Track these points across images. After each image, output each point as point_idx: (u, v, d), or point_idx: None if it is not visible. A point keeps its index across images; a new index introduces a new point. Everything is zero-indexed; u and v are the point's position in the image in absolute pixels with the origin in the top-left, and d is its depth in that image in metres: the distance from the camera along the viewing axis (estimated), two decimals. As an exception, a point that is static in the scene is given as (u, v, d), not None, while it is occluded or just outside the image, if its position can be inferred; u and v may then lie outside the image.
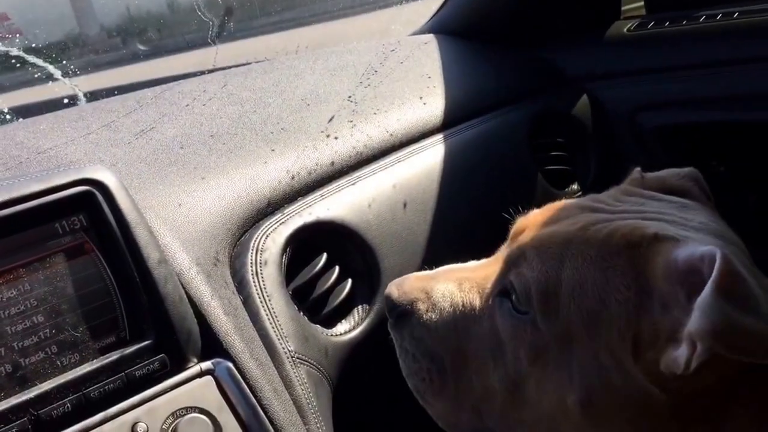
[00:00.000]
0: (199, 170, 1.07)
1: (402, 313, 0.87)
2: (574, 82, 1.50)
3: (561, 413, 0.75)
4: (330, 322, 1.07)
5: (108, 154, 1.07)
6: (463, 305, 0.84)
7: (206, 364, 0.87)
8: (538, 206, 0.89)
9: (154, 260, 0.86)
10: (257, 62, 1.56)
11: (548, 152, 1.41)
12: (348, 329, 1.07)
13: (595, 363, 0.72)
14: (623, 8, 1.66)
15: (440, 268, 0.91)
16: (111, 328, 0.84)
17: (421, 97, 1.36)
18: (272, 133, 1.19)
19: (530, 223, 0.84)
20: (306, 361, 0.97)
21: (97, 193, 0.86)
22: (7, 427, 0.75)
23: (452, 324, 0.84)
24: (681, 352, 0.66)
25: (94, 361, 0.82)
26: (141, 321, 0.85)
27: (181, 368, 0.86)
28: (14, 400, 0.77)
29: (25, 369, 0.79)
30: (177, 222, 0.98)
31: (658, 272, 0.69)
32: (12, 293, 0.80)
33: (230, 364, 0.88)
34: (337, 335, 1.05)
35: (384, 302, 0.90)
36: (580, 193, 1.43)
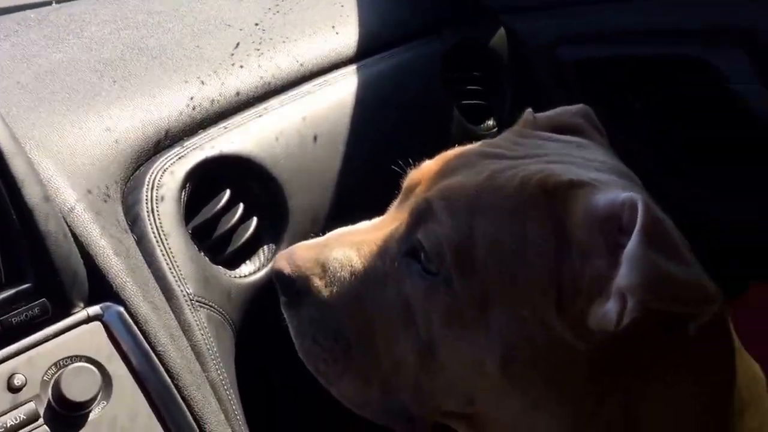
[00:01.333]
0: (88, 98, 0.98)
1: (297, 291, 0.77)
2: (491, 14, 1.44)
3: (477, 375, 0.71)
4: (233, 263, 1.00)
5: (-18, 79, 0.96)
6: (365, 272, 0.76)
7: (94, 309, 0.79)
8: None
9: (34, 196, 0.77)
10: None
11: (464, 86, 1.36)
12: (253, 270, 1.01)
13: (516, 321, 0.68)
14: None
15: (331, 234, 0.82)
16: (-18, 271, 0.75)
17: (333, 26, 1.28)
18: (171, 60, 1.09)
19: (424, 175, 0.77)
20: (206, 304, 0.90)
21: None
22: None
23: (355, 295, 0.76)
24: (611, 308, 0.62)
25: (-37, 307, 0.74)
26: (18, 261, 0.76)
27: (66, 314, 0.78)
28: None
29: None
30: (62, 154, 0.88)
31: (576, 220, 0.65)
32: None
33: (121, 309, 0.80)
34: (240, 277, 0.99)
35: (274, 279, 0.80)
36: (496, 129, 1.38)
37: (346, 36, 1.27)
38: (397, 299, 0.74)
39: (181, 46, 1.12)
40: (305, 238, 1.06)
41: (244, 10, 1.28)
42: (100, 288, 0.81)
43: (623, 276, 0.60)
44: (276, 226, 1.04)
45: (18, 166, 0.77)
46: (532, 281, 0.67)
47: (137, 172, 0.95)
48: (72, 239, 0.80)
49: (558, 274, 0.66)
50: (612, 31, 1.37)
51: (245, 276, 0.99)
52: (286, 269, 0.77)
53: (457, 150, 0.78)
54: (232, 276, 0.98)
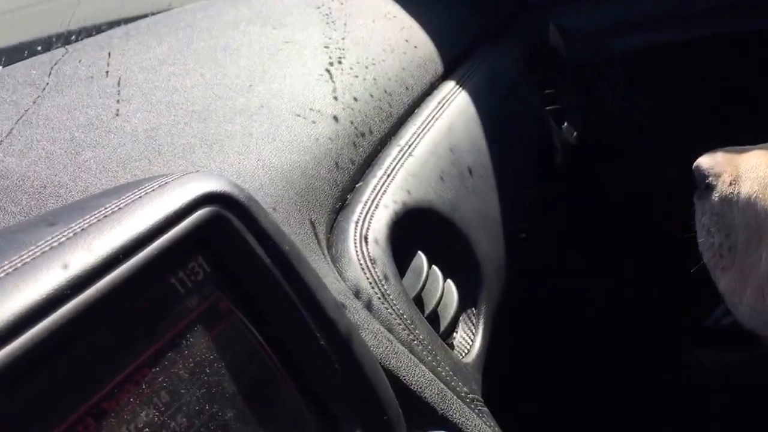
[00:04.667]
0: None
1: (707, 185, 0.82)
2: (536, 11, 1.31)
3: None
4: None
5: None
6: (765, 176, 0.77)
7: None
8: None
9: (329, 303, 0.55)
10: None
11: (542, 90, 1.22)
12: (468, 343, 0.81)
13: None
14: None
15: (756, 146, 0.82)
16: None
17: (407, 40, 1.09)
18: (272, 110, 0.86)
19: None
20: (481, 404, 0.70)
21: (227, 213, 0.52)
22: None
23: (751, 197, 0.77)
24: None
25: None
26: (341, 404, 0.53)
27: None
28: None
29: None
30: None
31: None
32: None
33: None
34: (464, 355, 0.79)
35: (694, 170, 0.83)
36: (575, 134, 1.25)
37: (425, 50, 1.09)
38: None
39: (277, 95, 0.89)
40: (495, 293, 0.89)
41: (300, 33, 1.06)
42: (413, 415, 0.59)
43: None
44: (470, 287, 0.85)
45: (302, 267, 0.54)
46: None
47: (335, 246, 0.73)
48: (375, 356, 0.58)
49: None
50: (663, 17, 1.30)
51: (466, 353, 0.80)
52: (705, 165, 0.82)
53: None
54: (462, 357, 0.78)
